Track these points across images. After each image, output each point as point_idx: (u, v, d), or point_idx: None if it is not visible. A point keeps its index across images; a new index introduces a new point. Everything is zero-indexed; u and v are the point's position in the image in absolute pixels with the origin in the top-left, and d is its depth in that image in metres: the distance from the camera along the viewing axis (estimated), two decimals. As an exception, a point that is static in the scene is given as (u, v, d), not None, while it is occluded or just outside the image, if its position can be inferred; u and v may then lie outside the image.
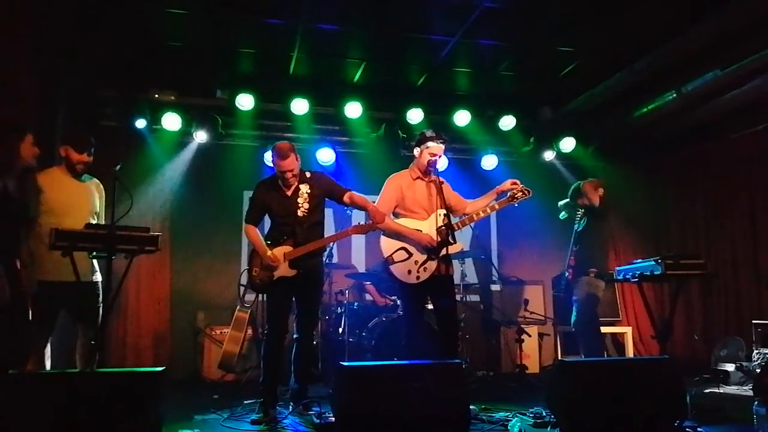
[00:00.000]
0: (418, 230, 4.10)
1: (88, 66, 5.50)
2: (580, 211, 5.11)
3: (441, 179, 4.17)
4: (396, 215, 4.22)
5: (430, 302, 4.31)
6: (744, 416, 3.75)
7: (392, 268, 4.09)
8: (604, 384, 3.31)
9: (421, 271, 4.05)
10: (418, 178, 4.24)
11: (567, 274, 5.06)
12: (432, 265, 4.04)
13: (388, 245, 4.12)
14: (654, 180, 7.41)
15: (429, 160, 4.13)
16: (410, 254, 4.08)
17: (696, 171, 6.99)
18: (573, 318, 4.98)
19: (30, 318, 3.48)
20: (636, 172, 7.33)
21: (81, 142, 3.90)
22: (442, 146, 4.16)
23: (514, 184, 4.24)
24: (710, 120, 6.06)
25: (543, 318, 6.82)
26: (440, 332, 4.20)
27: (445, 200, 4.05)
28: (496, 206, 4.23)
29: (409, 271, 4.06)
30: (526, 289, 7.01)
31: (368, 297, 6.47)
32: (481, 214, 4.24)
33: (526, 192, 4.22)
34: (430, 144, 4.13)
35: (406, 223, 4.15)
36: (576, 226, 5.09)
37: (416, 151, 4.24)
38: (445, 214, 4.00)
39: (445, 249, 3.99)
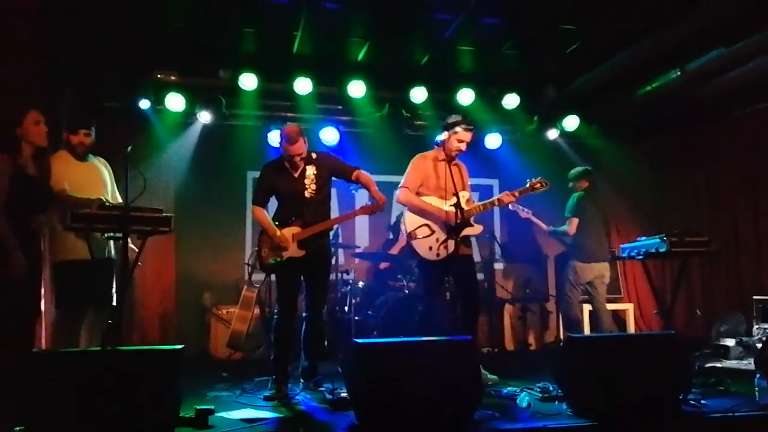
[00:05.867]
0: (440, 209, 4.23)
1: (90, 48, 5.45)
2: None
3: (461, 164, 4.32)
4: (419, 194, 4.34)
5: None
6: (744, 390, 3.84)
7: (414, 243, 4.23)
8: (611, 359, 3.37)
9: (441, 249, 4.15)
10: (443, 160, 4.35)
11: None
12: (452, 244, 4.13)
13: (411, 221, 4.25)
14: (657, 159, 7.42)
15: (456, 147, 4.27)
16: (432, 231, 4.20)
17: (699, 150, 6.99)
18: None
19: (42, 298, 3.52)
20: (639, 150, 7.34)
21: (77, 124, 3.94)
22: (470, 133, 4.29)
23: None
24: (714, 99, 6.04)
25: (545, 296, 6.89)
26: (462, 310, 4.35)
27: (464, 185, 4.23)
28: (517, 194, 4.35)
29: (430, 248, 4.19)
30: (528, 267, 7.06)
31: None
32: (496, 203, 4.39)
33: (544, 184, 4.37)
34: (458, 129, 4.26)
35: (429, 201, 4.29)
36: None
37: (444, 135, 4.34)
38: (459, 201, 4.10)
39: (466, 229, 4.16)
